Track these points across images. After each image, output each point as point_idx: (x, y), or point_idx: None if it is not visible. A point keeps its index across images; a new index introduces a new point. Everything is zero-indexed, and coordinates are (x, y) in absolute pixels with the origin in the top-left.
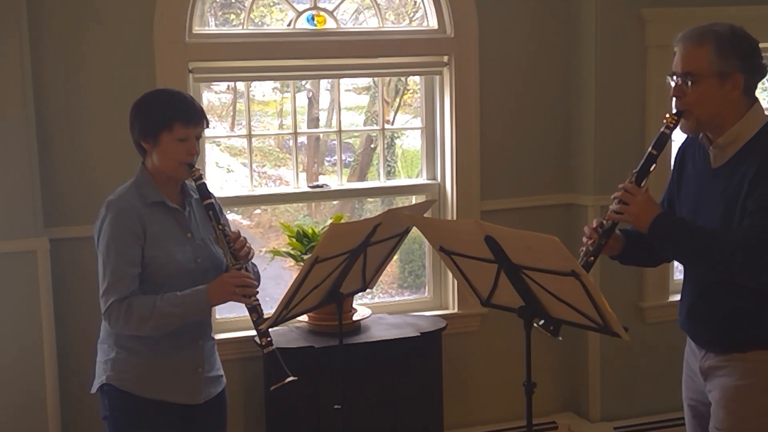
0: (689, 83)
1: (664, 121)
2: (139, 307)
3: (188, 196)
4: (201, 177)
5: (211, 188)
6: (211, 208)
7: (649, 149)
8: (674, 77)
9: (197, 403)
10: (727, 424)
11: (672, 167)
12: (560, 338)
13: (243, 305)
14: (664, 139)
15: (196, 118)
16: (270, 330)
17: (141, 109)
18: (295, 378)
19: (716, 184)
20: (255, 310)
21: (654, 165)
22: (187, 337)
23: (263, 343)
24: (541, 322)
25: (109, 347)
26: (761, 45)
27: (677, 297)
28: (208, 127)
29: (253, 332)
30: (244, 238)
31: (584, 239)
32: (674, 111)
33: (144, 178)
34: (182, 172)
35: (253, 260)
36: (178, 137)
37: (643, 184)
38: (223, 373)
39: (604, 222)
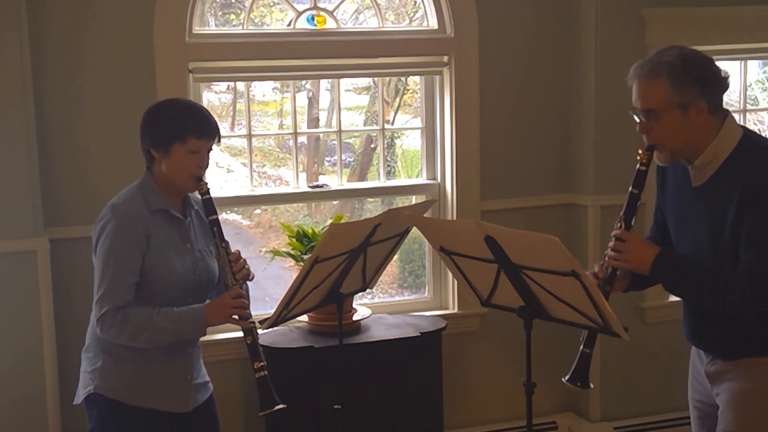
0: (652, 120)
1: (638, 158)
2: (135, 319)
3: (189, 207)
4: (208, 191)
5: (210, 188)
6: (216, 224)
7: (630, 189)
8: (637, 114)
9: (187, 410)
10: (736, 427)
11: (656, 181)
12: (592, 386)
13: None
14: (642, 177)
15: (210, 131)
16: (270, 330)
17: (155, 117)
18: (284, 406)
19: (698, 204)
20: (250, 332)
21: (638, 203)
22: (178, 345)
23: (256, 368)
24: (567, 377)
25: (95, 355)
26: (761, 45)
27: (677, 297)
28: (220, 142)
29: None
30: (244, 259)
31: None
32: (646, 146)
33: (149, 184)
34: (190, 184)
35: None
36: (189, 149)
37: (632, 223)
38: (209, 379)
39: (605, 269)
